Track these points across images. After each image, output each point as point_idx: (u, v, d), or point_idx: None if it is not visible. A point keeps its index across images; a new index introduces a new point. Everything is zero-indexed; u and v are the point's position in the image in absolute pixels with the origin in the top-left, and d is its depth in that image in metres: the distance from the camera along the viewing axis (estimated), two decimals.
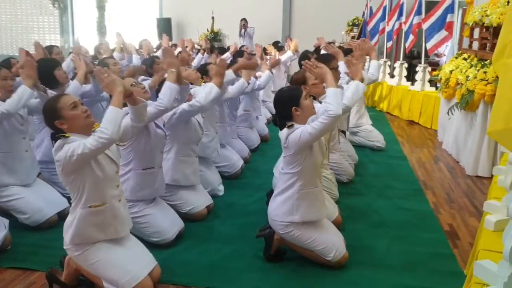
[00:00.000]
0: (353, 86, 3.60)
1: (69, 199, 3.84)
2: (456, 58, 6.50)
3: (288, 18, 13.39)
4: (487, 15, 5.61)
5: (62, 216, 3.70)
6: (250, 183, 4.83)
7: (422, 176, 5.18)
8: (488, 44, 5.85)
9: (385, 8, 9.37)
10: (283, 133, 3.04)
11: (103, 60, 4.95)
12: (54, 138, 2.61)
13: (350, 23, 11.55)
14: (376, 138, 6.20)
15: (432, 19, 7.54)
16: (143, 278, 2.68)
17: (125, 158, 3.32)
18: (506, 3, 5.13)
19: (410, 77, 8.89)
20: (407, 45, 8.49)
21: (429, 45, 7.68)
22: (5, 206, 3.64)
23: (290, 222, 3.06)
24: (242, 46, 9.39)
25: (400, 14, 8.77)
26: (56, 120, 2.59)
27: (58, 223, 3.65)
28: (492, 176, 5.10)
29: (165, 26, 14.99)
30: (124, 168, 3.31)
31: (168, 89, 3.19)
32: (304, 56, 5.72)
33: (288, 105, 3.01)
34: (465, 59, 6.04)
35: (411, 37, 8.23)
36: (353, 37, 11.09)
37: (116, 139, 2.53)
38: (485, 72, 5.11)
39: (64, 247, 2.72)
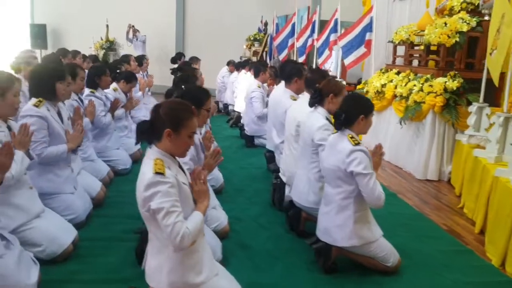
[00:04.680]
0: None
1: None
2: (384, 73, 7.09)
3: (181, 25, 13.19)
4: (419, 35, 6.29)
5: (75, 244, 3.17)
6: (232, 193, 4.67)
7: (385, 183, 5.51)
8: (417, 60, 6.53)
9: (293, 24, 9.80)
10: (346, 146, 3.02)
11: None
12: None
13: (252, 38, 11.80)
14: None
15: (350, 36, 8.09)
16: None
17: None
18: (444, 24, 5.77)
19: None
20: (320, 60, 8.99)
21: (347, 61, 8.24)
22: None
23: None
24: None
25: (313, 31, 9.25)
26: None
27: (72, 254, 3.13)
28: (439, 179, 5.69)
29: (39, 33, 13.71)
30: None
31: None
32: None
33: (361, 110, 3.04)
34: (397, 73, 6.63)
35: (327, 52, 8.73)
36: (255, 52, 11.36)
37: None
38: (431, 85, 5.66)
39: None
